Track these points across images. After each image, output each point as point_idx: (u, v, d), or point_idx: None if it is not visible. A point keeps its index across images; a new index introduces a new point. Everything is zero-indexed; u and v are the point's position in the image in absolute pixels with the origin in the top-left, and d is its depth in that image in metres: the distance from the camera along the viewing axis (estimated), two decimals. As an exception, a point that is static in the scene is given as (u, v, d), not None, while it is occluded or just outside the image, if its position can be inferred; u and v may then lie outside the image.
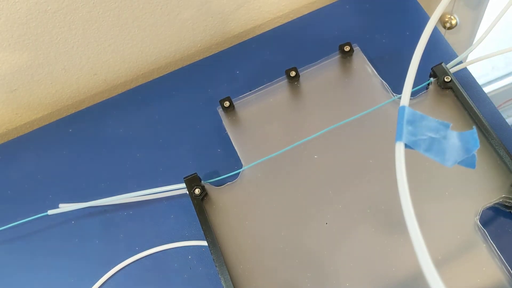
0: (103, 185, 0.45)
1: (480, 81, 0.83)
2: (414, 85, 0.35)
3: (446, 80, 0.41)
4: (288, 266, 0.37)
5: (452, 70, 0.42)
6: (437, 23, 0.43)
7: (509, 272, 0.35)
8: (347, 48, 0.44)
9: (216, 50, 0.53)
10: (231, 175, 0.41)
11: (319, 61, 0.45)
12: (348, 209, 0.38)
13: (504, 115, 0.74)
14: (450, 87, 0.41)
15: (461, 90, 0.40)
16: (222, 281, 0.36)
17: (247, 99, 0.45)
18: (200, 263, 0.40)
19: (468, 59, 0.45)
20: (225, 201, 0.40)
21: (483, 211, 0.37)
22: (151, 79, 0.51)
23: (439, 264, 0.36)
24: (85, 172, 0.46)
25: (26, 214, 0.43)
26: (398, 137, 0.26)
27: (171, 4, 0.47)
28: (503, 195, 0.37)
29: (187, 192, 0.40)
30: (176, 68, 0.50)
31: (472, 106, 0.39)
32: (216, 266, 0.37)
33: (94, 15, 0.44)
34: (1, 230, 0.43)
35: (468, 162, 0.27)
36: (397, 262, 0.36)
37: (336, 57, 0.45)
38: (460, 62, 0.43)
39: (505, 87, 0.92)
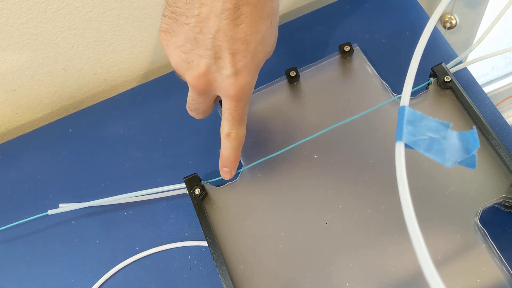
0: (103, 185, 0.45)
1: (480, 81, 0.83)
2: (414, 85, 0.35)
3: (446, 80, 0.41)
4: (288, 266, 0.37)
5: (452, 70, 0.42)
6: (437, 23, 0.43)
7: (509, 272, 0.35)
8: (347, 48, 0.44)
9: (216, 50, 0.53)
10: (231, 175, 0.41)
11: (319, 61, 0.45)
12: (348, 209, 0.38)
13: (504, 115, 0.74)
14: (450, 87, 0.41)
15: (461, 90, 0.40)
16: (222, 281, 0.36)
17: (247, 99, 0.44)
18: (200, 263, 0.40)
19: (468, 59, 0.45)
20: (225, 201, 0.40)
21: (483, 211, 0.37)
22: (151, 79, 0.51)
23: (439, 264, 0.36)
24: (85, 172, 0.46)
25: (26, 214, 0.43)
26: (398, 137, 0.26)
27: (171, 4, 0.46)
28: (503, 195, 0.37)
29: (187, 192, 0.40)
30: (176, 68, 0.50)
31: (472, 106, 0.39)
32: (216, 266, 0.37)
33: (94, 15, 0.44)
34: (1, 230, 0.43)
35: (468, 162, 0.27)
36: (397, 262, 0.36)
37: (336, 57, 0.45)
38: (460, 62, 0.43)
39: (505, 87, 0.92)
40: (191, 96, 0.35)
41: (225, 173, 0.38)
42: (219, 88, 0.32)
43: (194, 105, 0.36)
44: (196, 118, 0.38)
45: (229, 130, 0.35)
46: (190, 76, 0.32)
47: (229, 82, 0.31)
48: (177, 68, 0.32)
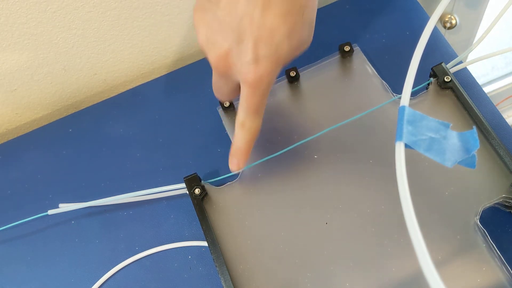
0: (103, 185, 0.45)
1: (480, 81, 0.83)
2: (414, 85, 0.35)
3: (446, 80, 0.41)
4: (288, 266, 0.37)
5: (452, 70, 0.42)
6: (437, 23, 0.43)
7: (509, 272, 0.35)
8: (347, 48, 0.44)
9: (216, 50, 0.53)
10: (231, 175, 0.41)
11: (319, 61, 0.45)
12: (348, 209, 0.38)
13: (504, 115, 0.74)
14: (450, 87, 0.41)
15: (461, 90, 0.40)
16: (222, 281, 0.36)
17: (247, 99, 0.44)
18: (200, 263, 0.40)
19: (468, 59, 0.45)
20: (225, 201, 0.40)
21: (483, 211, 0.37)
22: (151, 79, 0.51)
23: (439, 264, 0.36)
24: (85, 172, 0.46)
25: (26, 214, 0.43)
26: (398, 137, 0.26)
27: (171, 4, 0.47)
28: (503, 195, 0.37)
29: (187, 192, 0.40)
30: (176, 68, 0.50)
31: (472, 106, 0.39)
32: (216, 266, 0.37)
33: (94, 15, 0.44)
34: (1, 230, 0.43)
35: (468, 162, 0.27)
36: (397, 262, 0.36)
37: (336, 57, 0.45)
38: (460, 62, 0.43)
39: (505, 87, 0.93)
40: (214, 76, 0.35)
41: (233, 164, 0.37)
42: (238, 72, 0.32)
43: (216, 86, 0.36)
44: (220, 100, 0.38)
45: (243, 119, 0.34)
46: (211, 56, 0.32)
47: (248, 69, 0.31)
48: (202, 47, 0.33)
